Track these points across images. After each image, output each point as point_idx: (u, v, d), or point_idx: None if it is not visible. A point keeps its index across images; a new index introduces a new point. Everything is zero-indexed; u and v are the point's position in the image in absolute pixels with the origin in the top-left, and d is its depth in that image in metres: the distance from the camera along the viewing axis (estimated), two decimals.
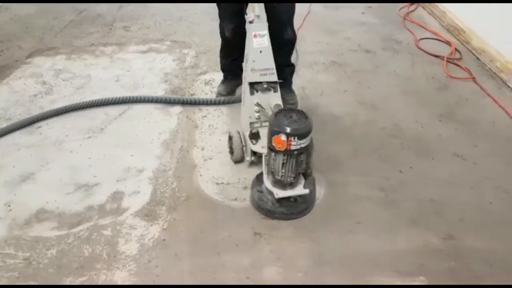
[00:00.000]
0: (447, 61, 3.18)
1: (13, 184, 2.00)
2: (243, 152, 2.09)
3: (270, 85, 2.03)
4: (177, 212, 1.87)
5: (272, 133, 1.71)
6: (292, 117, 1.72)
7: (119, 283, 1.57)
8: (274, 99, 2.02)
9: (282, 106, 2.01)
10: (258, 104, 2.04)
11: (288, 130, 1.67)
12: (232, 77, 2.69)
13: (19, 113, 2.47)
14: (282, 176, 1.79)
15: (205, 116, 2.49)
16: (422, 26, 3.72)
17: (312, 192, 1.90)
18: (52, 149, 2.21)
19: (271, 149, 1.76)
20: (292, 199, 1.85)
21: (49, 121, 2.41)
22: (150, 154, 2.19)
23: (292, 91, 2.62)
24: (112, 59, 3.05)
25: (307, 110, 2.56)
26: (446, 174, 2.16)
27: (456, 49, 3.36)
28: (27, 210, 1.86)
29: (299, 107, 2.60)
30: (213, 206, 1.91)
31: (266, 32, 1.99)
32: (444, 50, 3.34)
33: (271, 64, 2.00)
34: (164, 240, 1.74)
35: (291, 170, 1.77)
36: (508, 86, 2.92)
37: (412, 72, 3.07)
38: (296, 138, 1.68)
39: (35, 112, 2.47)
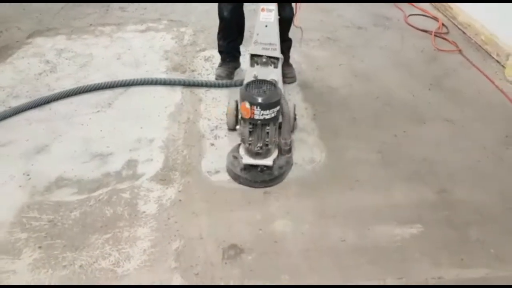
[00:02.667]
0: (435, 35, 3.33)
1: (28, 155, 2.08)
2: (235, 120, 2.14)
3: (270, 60, 2.07)
4: (190, 176, 1.99)
5: (240, 100, 1.80)
6: (261, 87, 1.79)
7: (142, 238, 1.69)
8: (272, 74, 2.05)
9: (278, 81, 2.04)
10: (255, 77, 2.03)
11: (251, 98, 1.75)
12: (230, 60, 2.72)
13: (26, 90, 2.53)
14: (250, 144, 1.88)
15: (208, 90, 2.60)
16: (410, 3, 3.86)
17: (284, 168, 1.97)
18: (63, 123, 2.29)
19: (242, 116, 1.85)
20: (259, 169, 1.93)
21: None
22: (158, 126, 2.29)
23: (289, 65, 2.72)
24: (112, 38, 3.12)
25: (305, 83, 2.74)
26: (437, 136, 2.32)
27: (443, 24, 3.51)
28: (46, 178, 1.95)
29: (297, 81, 2.73)
30: (224, 171, 2.03)
31: (274, 7, 2.00)
32: (432, 26, 3.48)
33: (275, 40, 2.03)
34: (180, 200, 1.86)
35: (258, 140, 1.85)
36: (493, 58, 3.09)
37: (402, 46, 3.21)
38: (258, 107, 1.74)
39: (42, 89, 2.54)
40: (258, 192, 1.92)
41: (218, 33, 2.65)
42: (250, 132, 1.85)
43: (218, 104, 2.48)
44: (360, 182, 2.01)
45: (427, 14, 3.67)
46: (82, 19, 3.36)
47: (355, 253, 1.67)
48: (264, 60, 2.07)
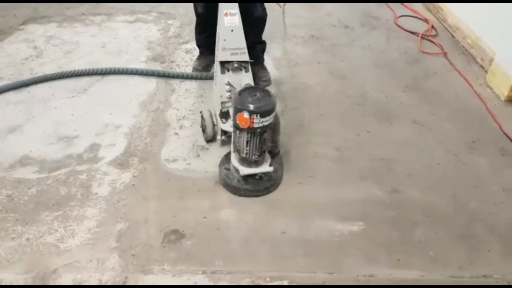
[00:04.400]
0: (422, 37, 3.31)
1: (1, 134, 2.19)
2: (214, 131, 2.12)
3: (241, 65, 2.04)
4: (148, 162, 2.06)
5: (236, 111, 1.73)
6: (256, 95, 1.73)
7: (90, 217, 1.77)
8: (245, 79, 2.02)
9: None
10: (228, 83, 2.03)
11: (251, 107, 1.69)
12: (207, 53, 2.69)
13: (10, 73, 2.65)
14: (246, 154, 1.82)
15: (182, 81, 2.66)
16: (403, 4, 3.83)
17: (278, 170, 1.95)
18: (39, 106, 2.40)
19: (236, 127, 1.78)
20: (257, 177, 1.89)
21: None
22: (128, 113, 2.37)
23: (264, 68, 2.69)
24: (100, 27, 3.22)
25: (281, 79, 2.77)
26: (402, 137, 2.33)
27: (433, 27, 3.48)
28: (12, 157, 2.06)
29: (273, 78, 2.74)
30: (182, 160, 2.09)
31: (236, 11, 1.97)
32: (422, 27, 3.46)
33: (242, 43, 1.99)
34: (133, 185, 1.94)
35: (256, 148, 1.80)
36: (477, 62, 3.05)
37: (386, 47, 3.20)
38: (258, 116, 1.70)
39: (25, 73, 2.66)
40: (210, 182, 1.97)
41: (195, 28, 2.69)
42: (247, 141, 1.78)
43: (190, 95, 2.55)
44: (314, 177, 2.04)
45: (418, 16, 3.64)
46: (75, 8, 3.48)
47: (293, 245, 1.71)
48: (236, 65, 2.04)
